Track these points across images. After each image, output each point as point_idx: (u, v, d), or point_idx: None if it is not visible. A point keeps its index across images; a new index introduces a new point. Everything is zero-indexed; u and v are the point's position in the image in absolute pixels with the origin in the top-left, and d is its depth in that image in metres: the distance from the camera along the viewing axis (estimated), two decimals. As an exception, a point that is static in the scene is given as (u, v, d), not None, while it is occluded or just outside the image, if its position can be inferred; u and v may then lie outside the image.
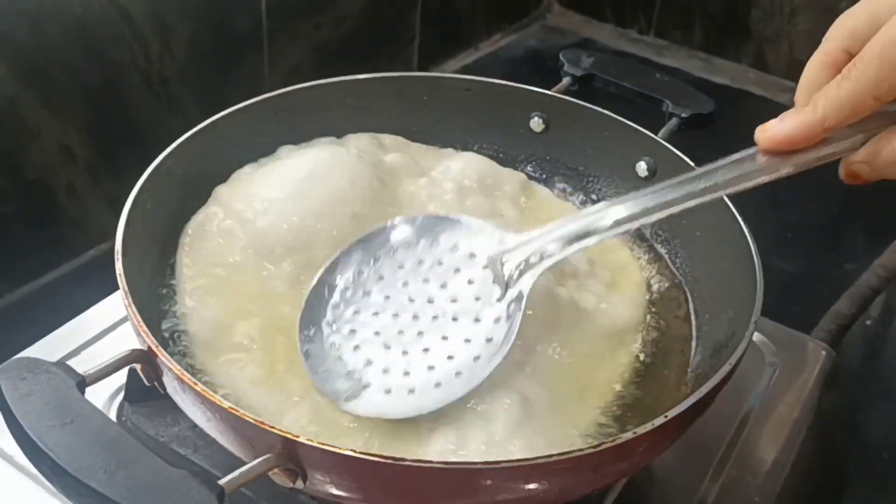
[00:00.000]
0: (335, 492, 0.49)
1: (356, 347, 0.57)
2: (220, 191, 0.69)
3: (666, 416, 0.49)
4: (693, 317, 0.68)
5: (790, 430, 0.72)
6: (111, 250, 0.93)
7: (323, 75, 0.77)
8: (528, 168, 0.80)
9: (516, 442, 0.52)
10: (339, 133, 0.77)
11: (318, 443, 0.46)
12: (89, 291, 0.79)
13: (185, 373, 0.49)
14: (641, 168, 0.74)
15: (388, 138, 0.78)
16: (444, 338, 0.57)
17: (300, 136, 0.75)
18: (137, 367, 0.52)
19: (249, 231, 0.66)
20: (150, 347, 0.50)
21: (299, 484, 0.48)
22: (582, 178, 0.78)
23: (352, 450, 0.46)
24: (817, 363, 0.78)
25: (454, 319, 0.57)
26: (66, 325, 0.74)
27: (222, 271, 0.64)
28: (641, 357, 0.63)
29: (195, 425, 0.62)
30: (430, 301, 0.58)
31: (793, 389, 0.75)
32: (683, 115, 0.74)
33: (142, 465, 0.43)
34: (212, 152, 0.70)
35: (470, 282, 0.58)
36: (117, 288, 0.77)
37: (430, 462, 0.46)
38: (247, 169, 0.72)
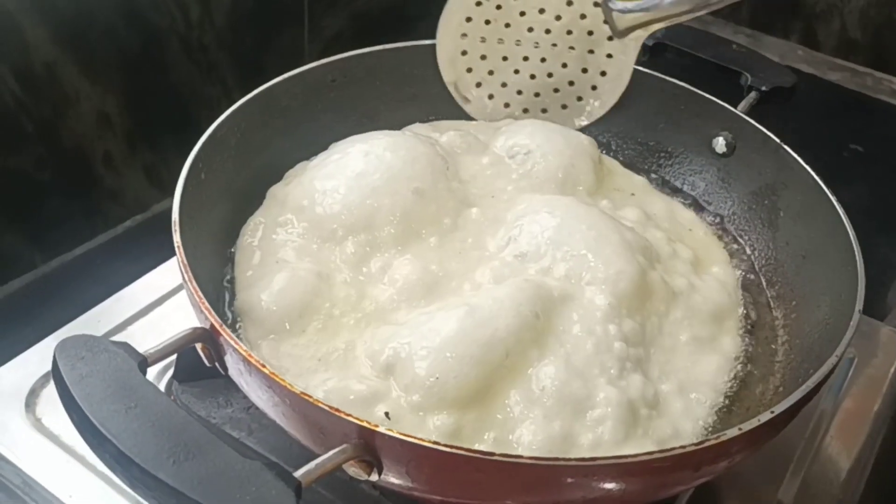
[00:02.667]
0: (412, 485, 0.45)
1: (489, 72, 0.70)
2: (276, 189, 0.67)
3: (772, 412, 0.45)
4: (776, 303, 0.64)
5: (871, 425, 0.68)
6: (147, 222, 0.90)
7: (363, 45, 0.73)
8: (594, 143, 0.76)
9: (626, 446, 0.49)
10: (394, 101, 0.74)
11: (399, 433, 0.42)
12: (125, 264, 0.76)
13: (252, 354, 0.45)
14: (719, 144, 0.70)
15: (442, 123, 0.75)
16: (564, 65, 0.69)
17: (355, 105, 0.72)
18: (198, 346, 0.49)
19: (307, 218, 0.62)
20: (212, 325, 0.47)
21: (374, 476, 0.44)
22: (653, 154, 0.74)
23: (434, 441, 0.42)
24: (896, 353, 0.74)
25: (570, 49, 0.68)
26: (110, 297, 0.71)
27: (282, 257, 0.61)
28: (743, 341, 0.60)
29: (249, 407, 0.59)
30: (548, 31, 0.68)
31: (872, 381, 0.71)
32: (764, 88, 0.70)
33: (212, 455, 0.39)
34: (266, 121, 0.66)
35: (582, 16, 0.67)
36: (156, 260, 0.75)
37: (521, 457, 0.42)
38: (299, 167, 0.69)
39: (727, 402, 0.57)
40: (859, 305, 0.53)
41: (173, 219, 0.53)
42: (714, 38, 0.77)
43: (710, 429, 0.54)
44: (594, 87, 0.69)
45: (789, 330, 0.62)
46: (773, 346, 0.61)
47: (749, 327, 0.62)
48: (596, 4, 0.66)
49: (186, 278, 0.49)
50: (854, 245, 0.56)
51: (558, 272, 0.58)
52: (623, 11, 0.65)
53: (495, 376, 0.51)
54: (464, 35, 0.70)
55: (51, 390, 0.59)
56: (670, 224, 0.69)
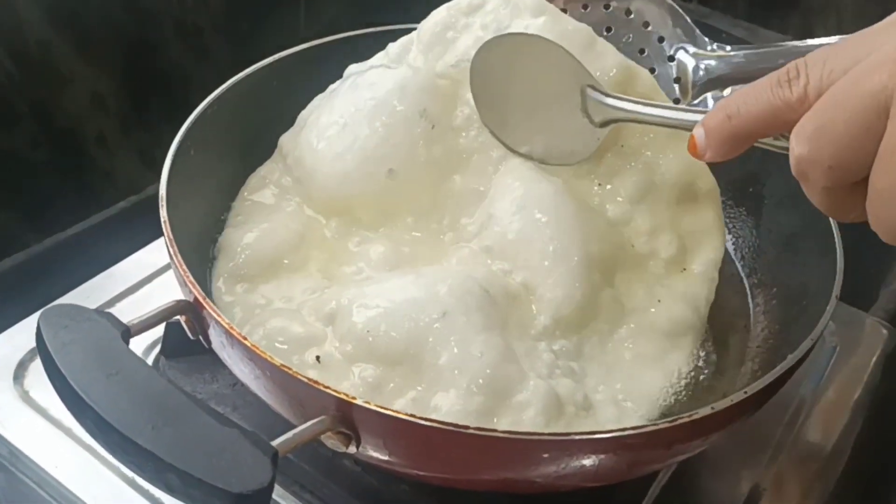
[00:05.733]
0: (389, 458, 0.46)
1: None
2: (286, 139, 0.67)
3: (745, 393, 0.46)
4: (754, 288, 0.65)
5: (851, 414, 0.69)
6: (141, 203, 0.91)
7: (359, 29, 0.73)
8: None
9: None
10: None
11: (376, 405, 0.43)
12: (118, 244, 0.76)
13: (234, 326, 0.46)
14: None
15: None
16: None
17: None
18: (181, 319, 0.49)
19: (301, 192, 0.64)
20: (196, 298, 0.47)
21: (352, 448, 0.45)
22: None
23: (410, 414, 0.43)
24: (879, 344, 0.75)
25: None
26: (100, 274, 0.71)
27: (274, 212, 0.63)
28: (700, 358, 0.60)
29: (235, 383, 0.60)
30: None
31: (854, 370, 0.72)
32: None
33: (190, 422, 0.40)
34: (258, 100, 0.66)
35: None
36: (148, 242, 0.76)
37: (495, 431, 0.43)
38: (309, 107, 0.67)
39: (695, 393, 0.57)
40: (836, 291, 0.53)
41: (160, 193, 0.53)
42: (708, 28, 0.77)
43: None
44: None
45: (768, 317, 0.62)
46: (748, 333, 0.62)
47: (717, 315, 0.60)
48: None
49: (171, 252, 0.50)
50: (834, 230, 0.57)
51: (516, 278, 0.57)
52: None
53: (430, 337, 0.51)
54: None
55: (39, 364, 0.59)
56: (678, 192, 0.62)
